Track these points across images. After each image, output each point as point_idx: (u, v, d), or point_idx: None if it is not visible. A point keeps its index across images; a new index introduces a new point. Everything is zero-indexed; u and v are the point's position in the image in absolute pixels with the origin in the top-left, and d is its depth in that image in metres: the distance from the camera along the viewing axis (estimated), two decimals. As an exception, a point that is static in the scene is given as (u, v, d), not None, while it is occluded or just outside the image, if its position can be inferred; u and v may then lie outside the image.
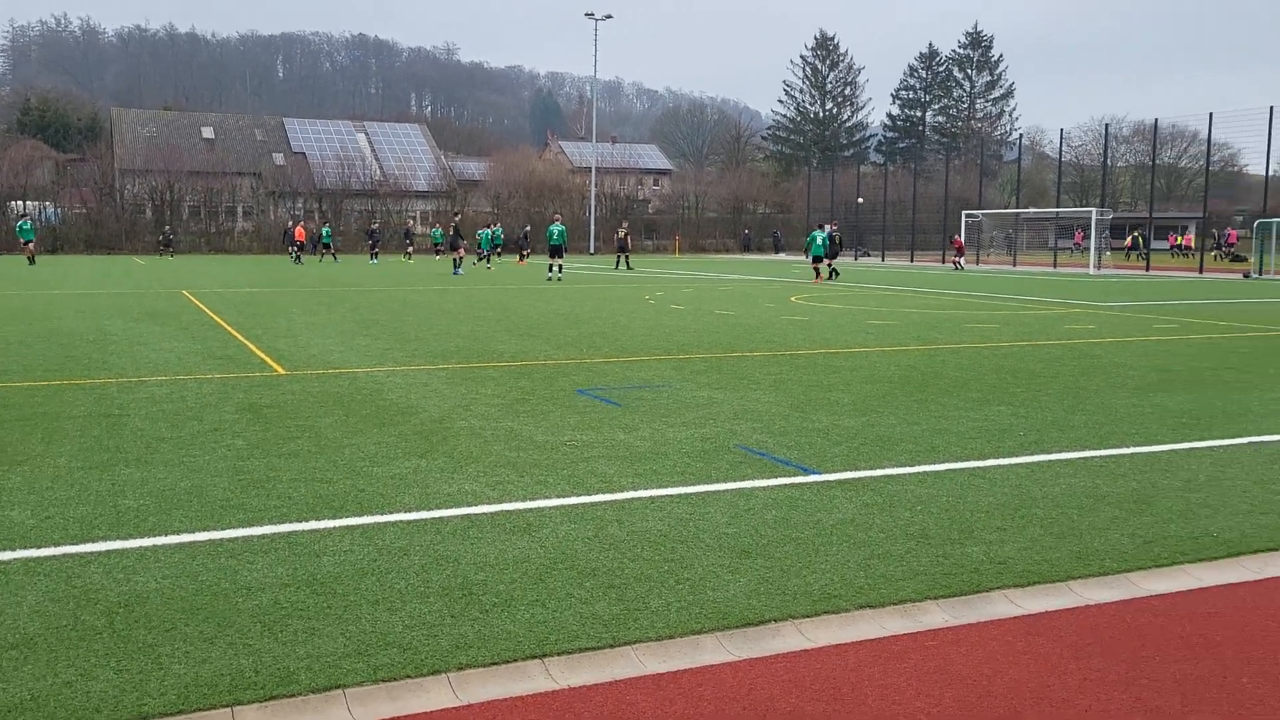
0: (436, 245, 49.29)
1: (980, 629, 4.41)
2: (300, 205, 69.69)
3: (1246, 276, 39.50)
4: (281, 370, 11.66)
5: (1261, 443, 7.99)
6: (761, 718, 3.58)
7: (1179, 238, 63.99)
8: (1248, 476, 6.90)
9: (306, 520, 5.71)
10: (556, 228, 33.51)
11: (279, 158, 78.29)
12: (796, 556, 5.20)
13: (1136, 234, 60.37)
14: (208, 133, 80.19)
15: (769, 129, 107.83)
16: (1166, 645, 4.23)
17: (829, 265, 34.55)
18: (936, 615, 4.57)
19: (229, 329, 16.31)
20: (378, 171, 76.60)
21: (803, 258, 62.68)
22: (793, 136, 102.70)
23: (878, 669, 3.99)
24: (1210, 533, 5.68)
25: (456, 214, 48.00)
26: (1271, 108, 39.75)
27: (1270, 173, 45.77)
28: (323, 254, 51.27)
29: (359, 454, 7.36)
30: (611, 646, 4.15)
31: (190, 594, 4.59)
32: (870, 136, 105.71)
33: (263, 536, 5.43)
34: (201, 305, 21.25)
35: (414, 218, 71.62)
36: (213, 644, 4.08)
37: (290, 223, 53.76)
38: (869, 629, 4.40)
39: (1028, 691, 3.79)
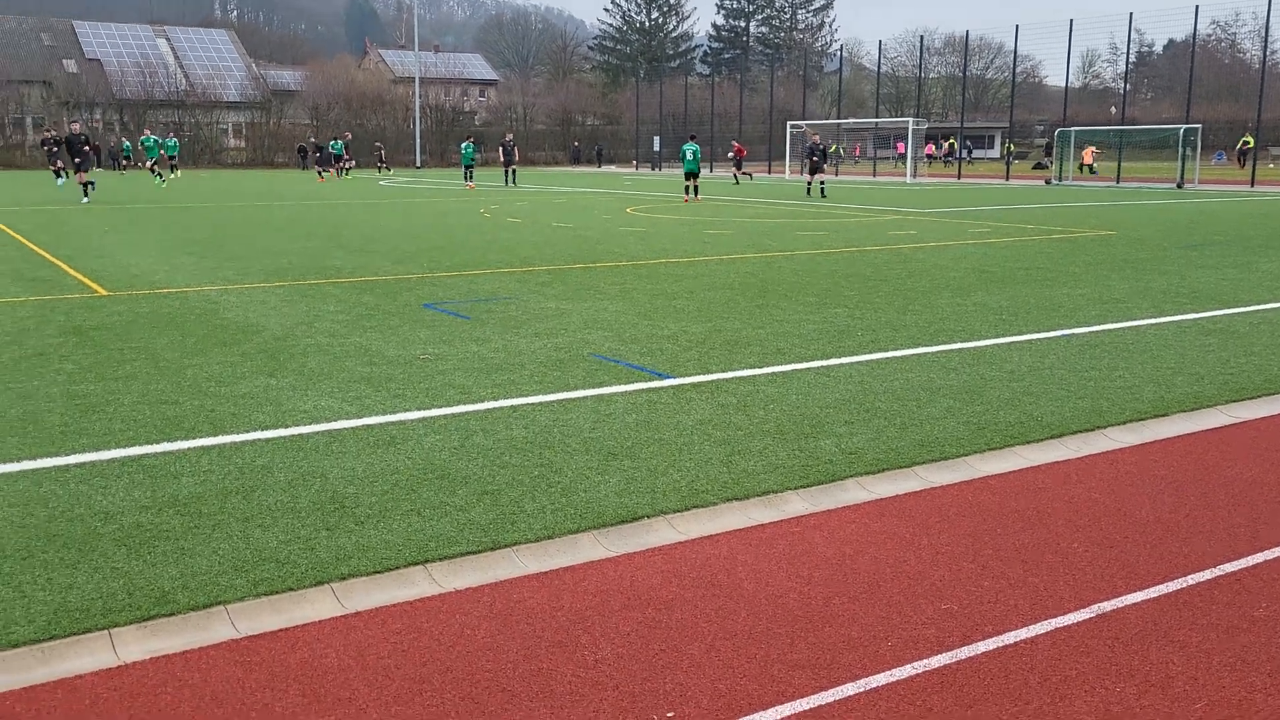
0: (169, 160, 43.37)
1: (838, 514, 4.70)
2: (99, 116, 64.84)
3: (1048, 183, 41.98)
4: (103, 291, 11.00)
5: (1072, 334, 8.65)
6: (645, 606, 3.74)
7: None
8: (1063, 365, 7.49)
9: (157, 443, 5.50)
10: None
11: (71, 65, 72.25)
12: (661, 456, 5.37)
13: (950, 141, 64.16)
14: (-16, 36, 73.21)
15: (595, 39, 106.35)
16: (1004, 519, 4.61)
17: (819, 182, 31.34)
18: (797, 504, 4.83)
19: (34, 248, 15.20)
20: (183, 81, 71.81)
21: (631, 169, 62.90)
22: (619, 47, 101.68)
23: (748, 555, 4.21)
24: (1034, 417, 6.16)
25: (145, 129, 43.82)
26: (1072, 20, 41.92)
27: (1069, 83, 48.45)
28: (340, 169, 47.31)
29: (203, 374, 7.09)
30: (492, 549, 4.23)
31: (43, 521, 4.39)
32: (696, 47, 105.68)
33: (112, 460, 5.21)
34: (-2, 225, 19.68)
35: (226, 129, 67.88)
36: (76, 569, 3.94)
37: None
38: (736, 520, 4.62)
39: (886, 567, 4.09)
